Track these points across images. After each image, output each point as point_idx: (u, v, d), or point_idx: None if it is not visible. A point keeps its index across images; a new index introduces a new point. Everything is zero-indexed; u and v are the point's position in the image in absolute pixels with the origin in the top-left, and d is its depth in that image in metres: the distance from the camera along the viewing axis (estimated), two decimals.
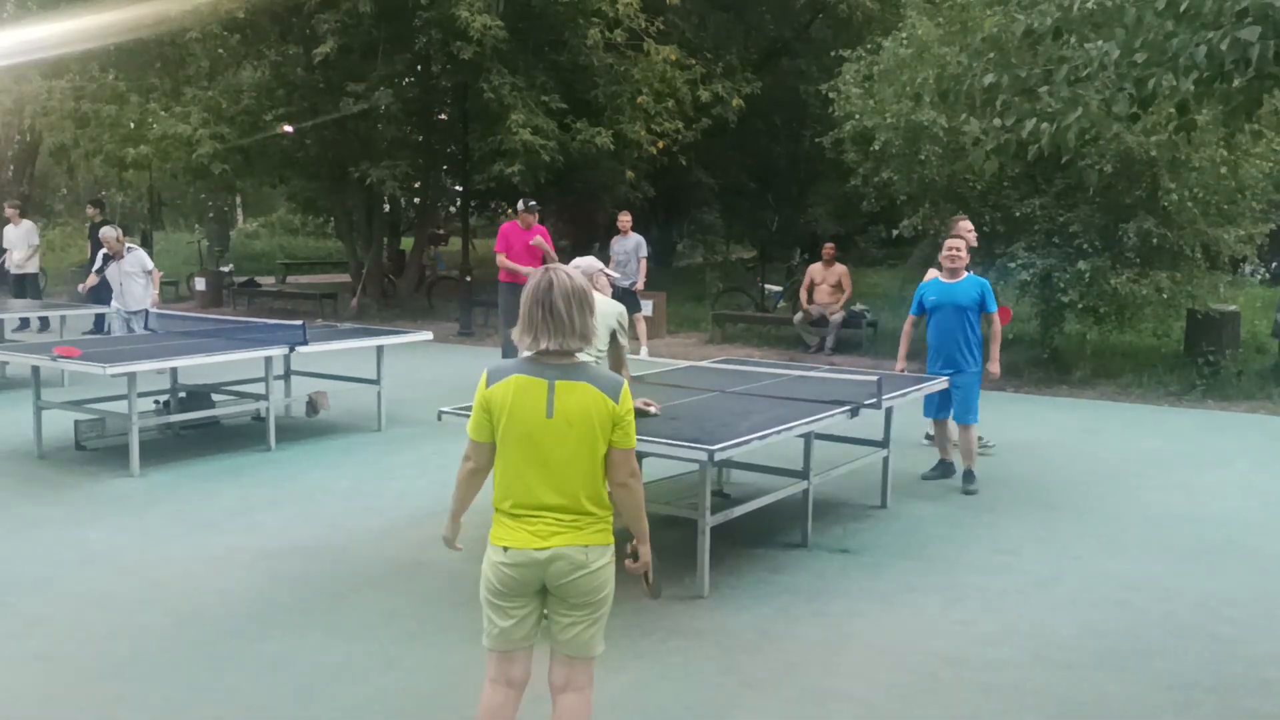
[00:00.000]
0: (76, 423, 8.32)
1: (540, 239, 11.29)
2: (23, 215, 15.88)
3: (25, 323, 15.20)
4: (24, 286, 15.27)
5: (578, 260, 5.53)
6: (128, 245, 10.65)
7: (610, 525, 3.23)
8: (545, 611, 3.28)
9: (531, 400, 3.12)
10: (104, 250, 10.65)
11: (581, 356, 3.23)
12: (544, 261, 11.23)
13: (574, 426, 3.11)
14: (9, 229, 15.42)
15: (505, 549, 3.16)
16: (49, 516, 6.54)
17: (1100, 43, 4.79)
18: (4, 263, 15.49)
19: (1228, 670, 4.48)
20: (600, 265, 5.59)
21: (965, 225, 8.52)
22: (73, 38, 16.61)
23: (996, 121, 5.10)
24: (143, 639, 4.68)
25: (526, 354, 3.22)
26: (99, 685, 4.25)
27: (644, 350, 13.81)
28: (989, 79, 5.24)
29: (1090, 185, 11.36)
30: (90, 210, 16.78)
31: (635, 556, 3.34)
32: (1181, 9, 4.34)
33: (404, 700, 4.14)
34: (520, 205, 11.50)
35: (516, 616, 3.21)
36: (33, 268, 15.54)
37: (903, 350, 7.79)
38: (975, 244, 8.42)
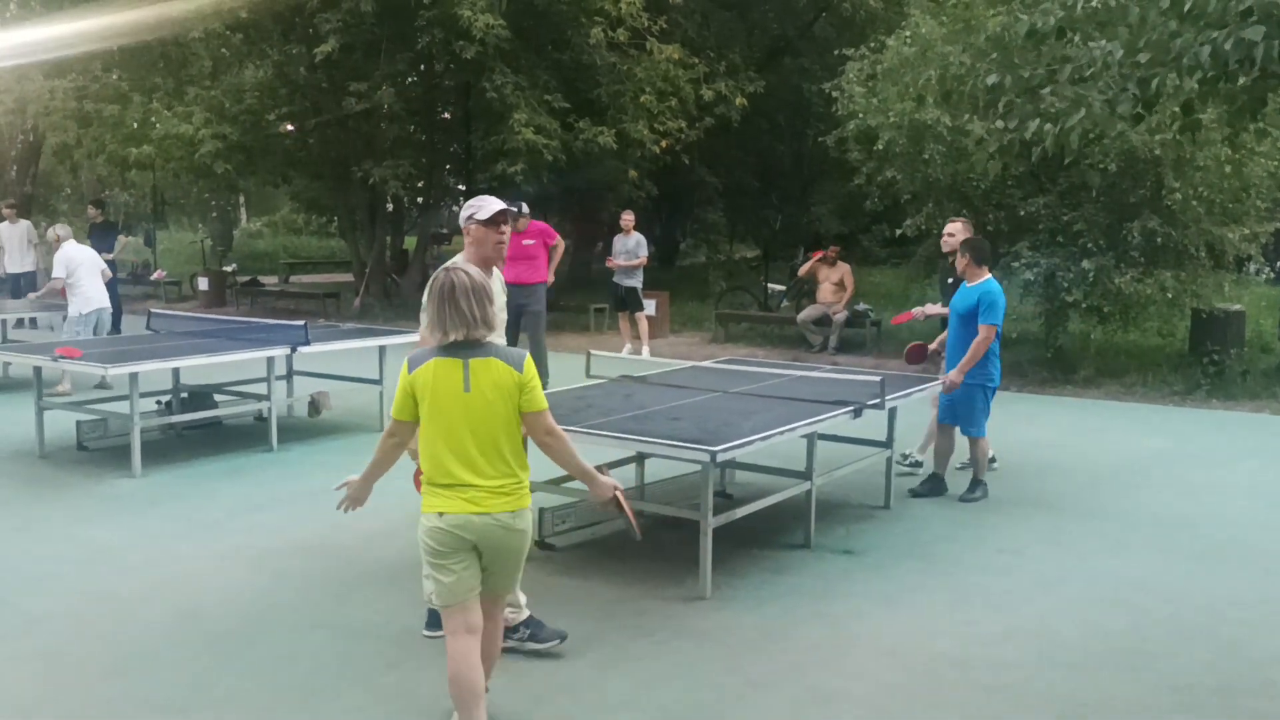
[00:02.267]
0: (78, 423, 8.32)
1: (531, 241, 11.16)
2: (21, 215, 15.86)
3: (23, 322, 15.20)
4: (21, 286, 15.26)
5: (479, 199, 4.89)
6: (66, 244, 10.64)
7: (528, 488, 3.62)
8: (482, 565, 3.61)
9: (450, 379, 3.50)
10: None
11: (489, 338, 3.60)
12: (549, 261, 11.25)
13: (489, 398, 3.50)
14: (5, 227, 15.42)
15: (441, 514, 3.53)
16: (51, 516, 6.54)
17: (1104, 42, 4.77)
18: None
19: (1232, 671, 4.46)
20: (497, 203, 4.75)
21: (948, 228, 7.66)
22: (76, 38, 16.61)
23: (1000, 123, 5.09)
24: (144, 638, 4.68)
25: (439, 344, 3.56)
26: (100, 683, 4.24)
27: (645, 350, 13.79)
28: (992, 79, 5.23)
29: (1094, 185, 11.33)
30: (91, 211, 16.77)
31: (617, 504, 3.80)
32: (1186, 8, 4.33)
33: (405, 700, 4.13)
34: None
35: (458, 572, 3.58)
36: (30, 266, 15.53)
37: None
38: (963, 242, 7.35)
